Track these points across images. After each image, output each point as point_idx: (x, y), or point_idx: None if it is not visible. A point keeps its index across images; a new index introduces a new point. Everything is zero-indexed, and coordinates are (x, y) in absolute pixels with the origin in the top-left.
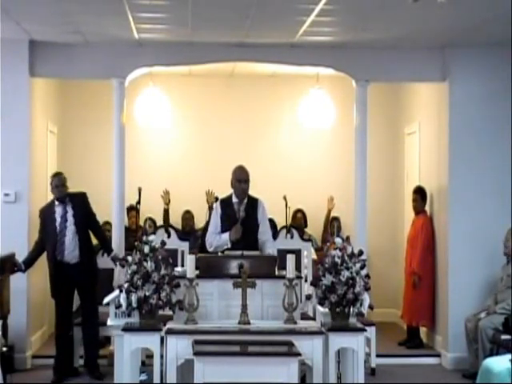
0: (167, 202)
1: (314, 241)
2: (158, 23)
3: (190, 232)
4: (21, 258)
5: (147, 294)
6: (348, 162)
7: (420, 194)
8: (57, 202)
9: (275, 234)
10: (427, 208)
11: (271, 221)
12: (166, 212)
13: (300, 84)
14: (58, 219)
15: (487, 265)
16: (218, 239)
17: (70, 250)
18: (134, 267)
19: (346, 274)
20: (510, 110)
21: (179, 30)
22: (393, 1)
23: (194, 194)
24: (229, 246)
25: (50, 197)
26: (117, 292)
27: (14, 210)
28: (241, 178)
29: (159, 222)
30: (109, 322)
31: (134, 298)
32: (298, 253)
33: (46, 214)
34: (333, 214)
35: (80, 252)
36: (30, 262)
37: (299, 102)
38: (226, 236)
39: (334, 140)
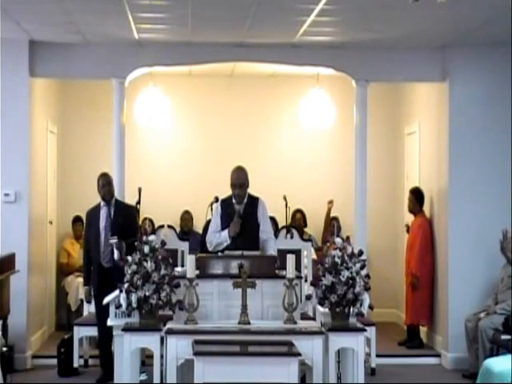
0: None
1: (314, 241)
2: (158, 23)
3: (189, 232)
4: (21, 257)
5: (147, 294)
6: (348, 162)
7: (416, 194)
8: (102, 203)
9: (275, 233)
10: (427, 208)
11: (272, 219)
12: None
13: (300, 84)
14: (103, 220)
15: (487, 265)
16: (217, 236)
17: (106, 252)
18: (134, 267)
19: (345, 273)
20: (510, 109)
21: (179, 30)
22: (393, 1)
23: (193, 194)
24: (228, 242)
25: (50, 197)
26: (117, 292)
27: (14, 210)
28: (236, 183)
29: (157, 222)
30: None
31: (133, 297)
32: (298, 253)
33: (92, 214)
34: (332, 214)
35: (113, 257)
36: (89, 278)
37: (299, 102)
38: (225, 232)
39: (334, 140)
